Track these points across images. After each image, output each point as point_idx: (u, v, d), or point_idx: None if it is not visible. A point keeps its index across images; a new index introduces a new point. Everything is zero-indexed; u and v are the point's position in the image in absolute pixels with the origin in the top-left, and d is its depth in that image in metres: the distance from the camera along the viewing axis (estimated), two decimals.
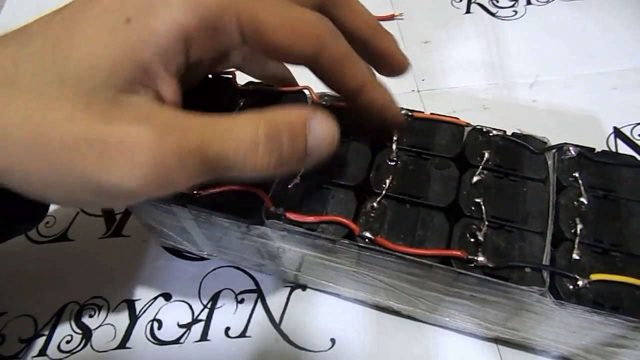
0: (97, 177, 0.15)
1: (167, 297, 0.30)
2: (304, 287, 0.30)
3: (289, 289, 0.30)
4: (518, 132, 0.25)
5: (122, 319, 0.29)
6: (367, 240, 0.21)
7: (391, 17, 0.43)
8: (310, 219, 0.22)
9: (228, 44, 0.18)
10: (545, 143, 0.24)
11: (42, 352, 0.28)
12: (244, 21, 0.17)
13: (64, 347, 0.28)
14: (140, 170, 0.15)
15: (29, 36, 0.16)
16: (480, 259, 0.20)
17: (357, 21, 0.22)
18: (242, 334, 0.28)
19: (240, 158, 0.17)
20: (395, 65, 0.23)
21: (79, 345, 0.28)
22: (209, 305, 0.29)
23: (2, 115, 0.15)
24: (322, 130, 0.19)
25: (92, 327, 0.29)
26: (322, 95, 0.26)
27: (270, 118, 0.18)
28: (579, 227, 0.21)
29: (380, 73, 0.24)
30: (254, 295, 0.29)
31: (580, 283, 0.19)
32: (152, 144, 0.15)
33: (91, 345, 0.28)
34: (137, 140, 0.15)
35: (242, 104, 0.26)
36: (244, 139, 0.17)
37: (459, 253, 0.20)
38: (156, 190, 0.16)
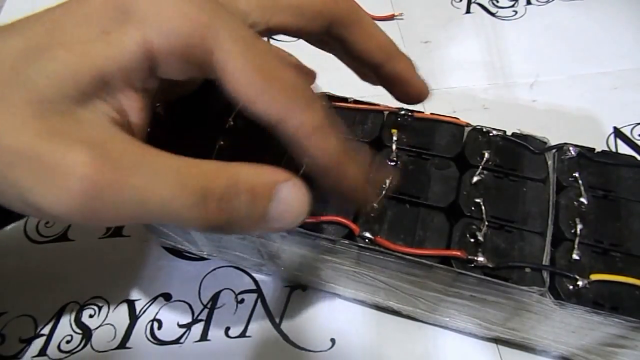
0: (26, 195, 0.15)
1: (167, 297, 0.30)
2: (304, 287, 0.30)
3: (289, 289, 0.30)
4: (518, 132, 0.25)
5: (122, 319, 0.29)
6: (367, 240, 0.21)
7: (391, 17, 0.43)
8: (310, 219, 0.22)
9: (203, 75, 0.17)
10: (545, 143, 0.24)
11: (42, 352, 0.28)
12: (215, 61, 0.16)
13: (64, 347, 0.28)
14: (69, 198, 0.14)
15: (14, 32, 0.16)
16: (480, 259, 0.20)
17: (369, 44, 0.21)
18: (242, 334, 0.28)
19: (186, 210, 0.15)
20: (411, 93, 0.22)
21: (79, 345, 0.28)
22: (209, 305, 0.29)
23: None
24: (290, 201, 0.17)
25: (92, 327, 0.29)
26: (322, 96, 0.26)
27: (232, 172, 0.16)
28: (579, 227, 0.21)
29: (396, 99, 0.23)
30: (254, 295, 0.29)
31: (580, 283, 0.19)
32: (89, 174, 0.14)
33: (91, 345, 0.28)
34: (74, 165, 0.14)
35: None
36: (195, 190, 0.15)
37: (458, 253, 0.20)
38: (85, 221, 0.15)
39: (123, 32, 0.16)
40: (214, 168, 0.16)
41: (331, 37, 0.21)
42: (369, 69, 0.22)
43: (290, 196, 0.17)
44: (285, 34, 0.21)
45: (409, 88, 0.22)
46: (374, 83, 0.24)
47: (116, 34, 0.16)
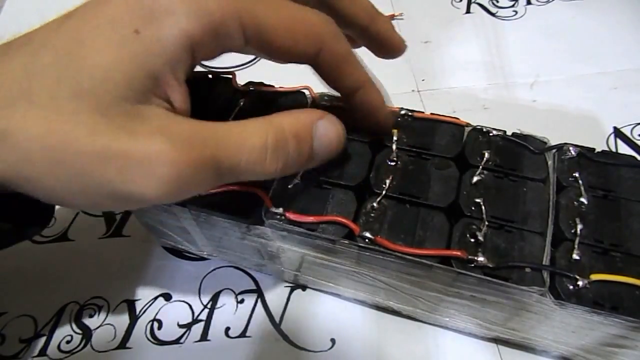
0: (120, 188, 0.16)
1: (167, 297, 0.30)
2: (304, 287, 0.30)
3: (289, 289, 0.30)
4: (518, 132, 0.25)
5: (122, 319, 0.29)
6: (367, 240, 0.21)
7: (391, 17, 0.43)
8: (310, 219, 0.22)
9: (231, 47, 0.19)
10: (545, 143, 0.24)
11: (42, 352, 0.28)
12: (246, 25, 0.18)
13: (64, 347, 0.28)
14: (162, 182, 0.16)
15: (38, 46, 0.16)
16: (480, 259, 0.20)
17: (355, 9, 0.23)
18: (242, 334, 0.28)
19: (250, 166, 0.18)
20: (390, 48, 0.24)
21: (79, 345, 0.28)
22: (209, 305, 0.29)
23: (21, 129, 0.15)
24: (328, 133, 0.20)
25: (92, 327, 0.29)
26: (322, 95, 0.26)
27: (277, 124, 0.19)
28: (579, 227, 0.21)
29: (378, 56, 0.25)
30: (254, 295, 0.29)
31: (580, 283, 0.19)
32: (172, 158, 0.16)
33: (91, 345, 0.28)
34: (158, 154, 0.16)
35: (242, 103, 0.26)
36: (254, 148, 0.18)
37: (459, 253, 0.20)
38: (175, 197, 0.17)
39: (159, 28, 0.16)
40: (264, 124, 0.18)
41: (321, 5, 0.22)
42: (355, 32, 0.24)
43: (327, 130, 0.20)
44: None
45: (389, 44, 0.24)
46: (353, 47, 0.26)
47: (150, 30, 0.16)
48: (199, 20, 0.17)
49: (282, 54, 0.19)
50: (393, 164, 0.24)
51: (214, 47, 0.18)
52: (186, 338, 0.28)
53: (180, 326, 0.29)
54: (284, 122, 0.19)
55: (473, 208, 0.22)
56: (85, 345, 0.28)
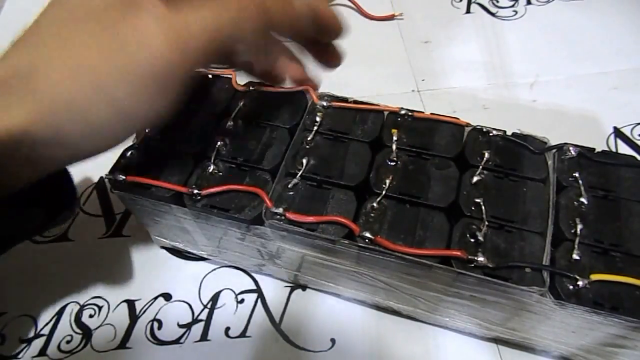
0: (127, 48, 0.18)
1: (167, 297, 0.30)
2: (304, 287, 0.30)
3: (289, 289, 0.30)
4: (518, 132, 0.25)
5: (122, 319, 0.29)
6: (367, 240, 0.21)
7: (391, 17, 0.43)
8: (310, 219, 0.22)
9: None
10: (545, 143, 0.24)
11: (42, 352, 0.28)
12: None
13: (64, 347, 0.28)
14: (159, 33, 0.18)
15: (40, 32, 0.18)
16: (480, 259, 0.20)
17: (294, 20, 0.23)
18: (242, 334, 0.28)
19: (242, 23, 0.20)
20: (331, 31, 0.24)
21: (79, 345, 0.28)
22: (209, 305, 0.29)
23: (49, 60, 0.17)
24: None
25: (92, 327, 0.29)
26: (322, 96, 0.26)
27: None
28: (579, 227, 0.21)
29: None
30: (254, 295, 0.29)
31: (580, 283, 0.19)
32: (163, 11, 0.18)
33: (91, 345, 0.28)
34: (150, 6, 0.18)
35: (242, 104, 0.26)
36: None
37: (459, 253, 0.20)
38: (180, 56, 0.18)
39: None
40: None
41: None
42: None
43: None
44: None
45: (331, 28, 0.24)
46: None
47: None
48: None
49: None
50: (393, 164, 0.24)
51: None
52: (186, 338, 0.28)
53: (180, 326, 0.29)
54: None
55: (473, 208, 0.22)
56: (85, 345, 0.28)
